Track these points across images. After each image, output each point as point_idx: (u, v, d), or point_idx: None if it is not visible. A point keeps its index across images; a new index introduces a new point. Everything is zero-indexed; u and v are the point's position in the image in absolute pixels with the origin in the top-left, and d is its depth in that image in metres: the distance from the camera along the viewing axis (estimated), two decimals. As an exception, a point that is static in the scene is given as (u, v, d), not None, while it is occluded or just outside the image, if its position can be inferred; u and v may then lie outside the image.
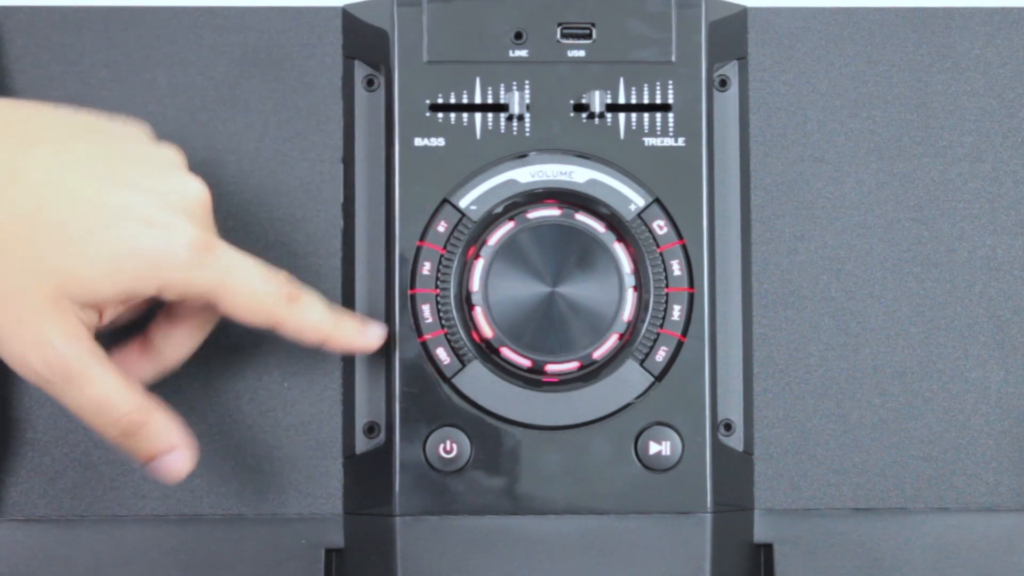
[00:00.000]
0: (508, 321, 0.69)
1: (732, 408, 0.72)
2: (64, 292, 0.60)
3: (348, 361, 0.71)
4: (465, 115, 0.71)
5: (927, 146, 0.73)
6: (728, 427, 0.72)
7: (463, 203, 0.71)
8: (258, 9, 0.72)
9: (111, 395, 0.62)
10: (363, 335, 0.68)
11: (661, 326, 0.70)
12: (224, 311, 0.64)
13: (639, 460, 0.70)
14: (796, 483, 0.72)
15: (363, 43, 0.72)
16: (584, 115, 0.71)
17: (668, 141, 0.71)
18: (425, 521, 0.69)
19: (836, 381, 0.72)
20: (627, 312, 0.70)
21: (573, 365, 0.70)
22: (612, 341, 0.70)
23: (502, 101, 0.71)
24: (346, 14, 0.73)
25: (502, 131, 0.71)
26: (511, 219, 0.70)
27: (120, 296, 0.61)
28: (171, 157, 0.65)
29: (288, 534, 0.71)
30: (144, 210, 0.61)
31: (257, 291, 0.64)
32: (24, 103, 0.66)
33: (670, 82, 0.71)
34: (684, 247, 0.71)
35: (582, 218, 0.70)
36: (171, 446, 0.64)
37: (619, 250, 0.70)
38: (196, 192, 0.64)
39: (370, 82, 0.73)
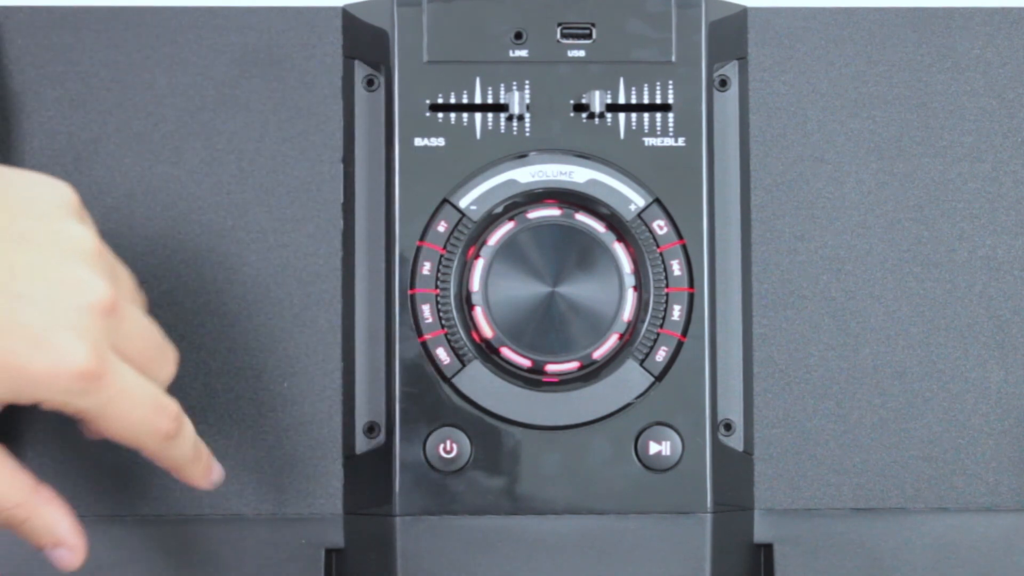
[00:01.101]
0: (508, 321, 0.69)
1: (732, 408, 0.72)
2: None
3: (348, 361, 0.71)
4: (465, 115, 0.71)
5: (927, 146, 0.73)
6: (728, 427, 0.72)
7: (463, 203, 0.71)
8: (258, 9, 0.72)
9: None
10: (207, 478, 0.66)
11: (661, 326, 0.70)
12: (97, 433, 0.61)
13: (639, 460, 0.70)
14: (796, 483, 0.72)
15: (363, 43, 0.72)
16: (584, 115, 0.71)
17: (668, 141, 0.71)
18: (425, 521, 0.69)
19: (836, 381, 0.72)
20: (627, 312, 0.70)
21: (573, 365, 0.70)
22: (612, 341, 0.70)
23: (502, 101, 0.71)
24: (346, 14, 0.73)
25: (502, 131, 0.71)
26: (511, 219, 0.70)
27: None
28: (73, 238, 0.58)
29: (288, 534, 0.71)
30: (35, 327, 0.56)
31: (136, 426, 0.60)
32: None
33: (670, 82, 0.71)
34: (684, 247, 0.71)
35: (582, 218, 0.70)
36: (55, 543, 0.62)
37: (619, 250, 0.70)
38: (100, 290, 0.58)
39: (370, 82, 0.73)
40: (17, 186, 0.59)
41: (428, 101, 0.71)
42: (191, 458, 0.64)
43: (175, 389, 0.70)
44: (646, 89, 0.71)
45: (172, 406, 0.62)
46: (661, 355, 0.70)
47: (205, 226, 0.72)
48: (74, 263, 0.58)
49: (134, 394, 0.60)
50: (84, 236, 0.59)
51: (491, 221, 0.71)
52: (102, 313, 0.58)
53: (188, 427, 0.63)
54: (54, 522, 0.62)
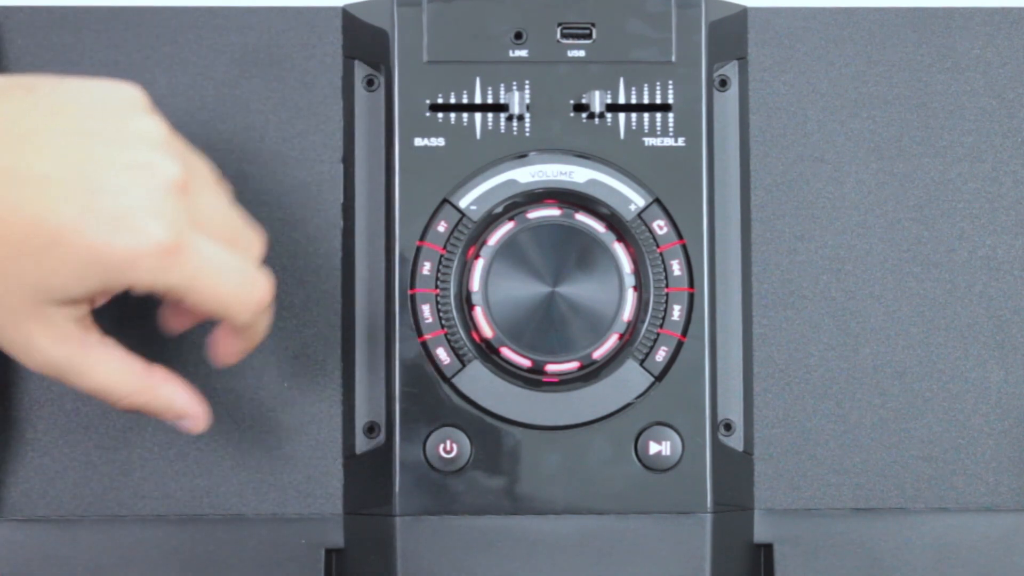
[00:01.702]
0: (508, 321, 0.69)
1: (732, 408, 0.72)
2: (40, 296, 0.59)
3: (348, 361, 0.71)
4: (465, 115, 0.71)
5: (927, 146, 0.73)
6: (728, 427, 0.72)
7: (463, 203, 0.71)
8: (258, 9, 0.72)
9: (107, 384, 0.62)
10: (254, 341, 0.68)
11: (661, 326, 0.70)
12: (190, 308, 0.63)
13: (639, 460, 0.70)
14: (796, 483, 0.72)
15: (363, 43, 0.72)
16: (584, 115, 0.71)
17: (668, 141, 0.71)
18: (425, 521, 0.69)
19: (836, 381, 0.72)
20: (627, 312, 0.70)
21: (573, 365, 0.70)
22: (612, 341, 0.70)
23: (502, 101, 0.71)
24: (346, 14, 0.73)
25: (502, 131, 0.71)
26: (511, 219, 0.70)
27: (93, 294, 0.60)
28: (143, 129, 0.61)
29: (288, 534, 0.71)
30: (111, 210, 0.59)
31: (225, 298, 0.62)
32: None
33: (670, 82, 0.71)
34: (684, 247, 0.71)
35: (582, 218, 0.70)
36: (178, 416, 0.65)
37: (619, 250, 0.70)
38: (171, 170, 0.60)
39: (370, 82, 0.73)
40: (88, 89, 0.61)
41: (428, 101, 0.71)
42: (262, 335, 0.66)
43: (175, 389, 0.71)
44: (646, 89, 0.71)
45: (263, 279, 0.63)
46: (661, 355, 0.70)
47: (205, 226, 0.72)
48: (145, 150, 0.60)
49: (219, 267, 0.61)
50: (153, 127, 0.61)
51: (491, 221, 0.71)
52: (175, 192, 0.60)
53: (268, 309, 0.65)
54: (172, 399, 0.64)
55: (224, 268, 0.62)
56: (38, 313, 0.60)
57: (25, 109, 0.59)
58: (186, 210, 0.60)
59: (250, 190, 0.72)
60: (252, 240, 0.65)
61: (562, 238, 0.70)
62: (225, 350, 0.66)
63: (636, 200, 0.71)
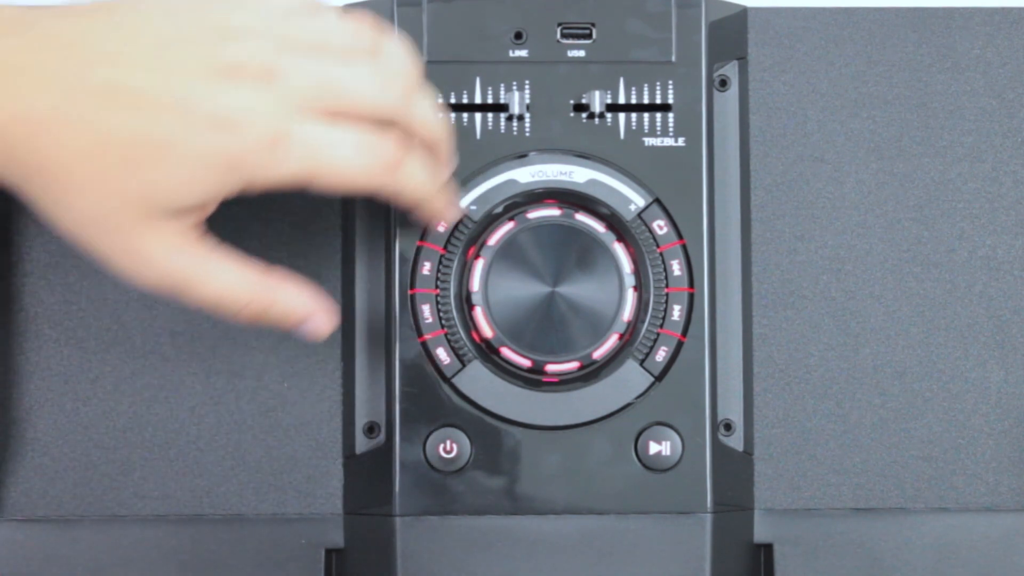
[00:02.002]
0: (508, 321, 0.69)
1: (732, 408, 0.72)
2: (151, 208, 0.59)
3: (348, 361, 0.71)
4: (465, 115, 0.71)
5: (927, 146, 0.73)
6: (728, 427, 0.72)
7: (463, 203, 0.71)
8: (258, 9, 0.72)
9: (225, 292, 0.62)
10: (445, 213, 0.69)
11: (661, 326, 0.70)
12: (320, 191, 0.62)
13: (639, 460, 0.70)
14: (796, 483, 0.72)
15: (363, 43, 0.72)
16: (584, 115, 0.71)
17: (668, 141, 0.71)
18: (425, 521, 0.69)
19: (836, 381, 0.72)
20: (627, 312, 0.70)
21: (573, 365, 0.70)
22: (612, 341, 0.70)
23: (502, 101, 0.71)
24: (346, 14, 0.73)
25: (502, 131, 0.71)
26: (511, 219, 0.70)
27: (208, 200, 0.61)
28: (227, 26, 0.60)
29: (288, 534, 0.71)
30: (209, 113, 0.59)
31: (350, 171, 0.62)
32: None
33: (670, 82, 0.71)
34: (684, 247, 0.71)
35: (582, 218, 0.70)
36: (300, 319, 0.64)
37: (619, 250, 0.70)
38: (260, 57, 0.60)
39: (370, 82, 0.72)
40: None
41: (428, 101, 0.71)
42: (428, 187, 0.66)
43: (175, 388, 0.71)
44: (646, 89, 0.71)
45: (382, 142, 0.63)
46: (661, 355, 0.70)
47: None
48: (232, 47, 0.60)
49: (331, 142, 0.61)
50: (237, 18, 0.61)
51: (491, 221, 0.71)
52: (268, 80, 0.60)
53: (416, 161, 0.64)
54: (292, 303, 0.64)
55: (339, 146, 0.61)
56: (150, 226, 0.60)
57: (111, 27, 0.59)
58: (283, 95, 0.60)
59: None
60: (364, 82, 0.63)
61: (562, 238, 0.70)
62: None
63: (636, 200, 0.71)
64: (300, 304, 0.64)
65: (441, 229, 0.70)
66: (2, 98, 0.58)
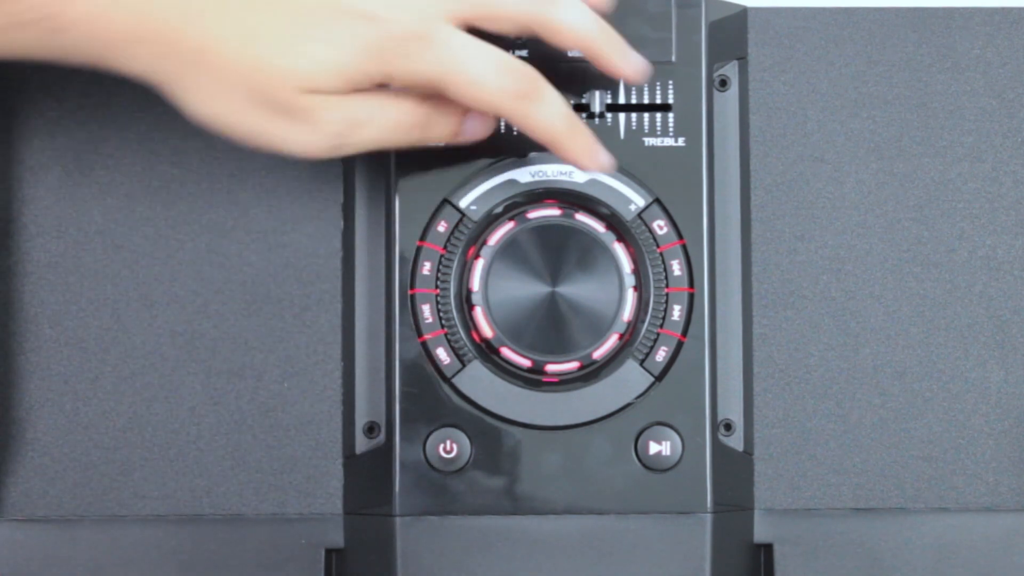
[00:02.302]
0: (508, 321, 0.69)
1: (732, 408, 0.72)
2: (298, 90, 0.62)
3: (348, 361, 0.71)
4: (465, 115, 0.71)
5: (927, 146, 0.73)
6: (728, 427, 0.72)
7: (463, 203, 0.70)
8: (258, 9, 0.72)
9: (387, 132, 0.65)
10: (593, 155, 0.68)
11: (661, 326, 0.70)
12: (456, 97, 0.64)
13: (639, 460, 0.70)
14: (796, 483, 0.72)
15: (363, 43, 0.72)
16: (584, 115, 0.71)
17: (668, 141, 0.71)
18: (425, 521, 0.69)
19: (836, 381, 0.72)
20: (627, 312, 0.70)
21: (573, 365, 0.70)
22: (612, 341, 0.70)
23: (502, 101, 0.71)
24: (346, 14, 0.73)
25: (502, 131, 0.71)
26: (511, 219, 0.70)
27: (352, 87, 0.63)
28: None
29: (288, 534, 0.71)
30: (362, 6, 0.62)
31: (484, 84, 0.64)
32: None
33: (670, 82, 0.71)
34: (684, 247, 0.71)
35: (582, 218, 0.70)
36: (455, 131, 0.67)
37: (619, 250, 0.70)
38: None
39: (370, 82, 0.72)
40: None
41: (428, 101, 0.71)
42: (563, 130, 0.66)
43: (176, 388, 0.71)
44: (646, 89, 0.71)
45: (524, 67, 0.65)
46: (661, 355, 0.70)
47: (205, 226, 0.72)
48: None
49: (470, 53, 0.64)
50: None
51: (491, 221, 0.71)
52: None
53: (554, 97, 0.66)
54: (448, 118, 0.67)
55: (477, 56, 0.63)
56: (302, 102, 0.63)
57: None
58: (437, 3, 0.63)
59: (249, 190, 0.72)
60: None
61: (562, 238, 0.70)
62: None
63: (636, 200, 0.71)
64: (455, 118, 0.67)
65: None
66: None
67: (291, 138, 0.64)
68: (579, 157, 0.67)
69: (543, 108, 0.65)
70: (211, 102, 0.63)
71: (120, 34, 0.62)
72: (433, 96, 0.65)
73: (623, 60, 0.67)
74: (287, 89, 0.62)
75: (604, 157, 0.68)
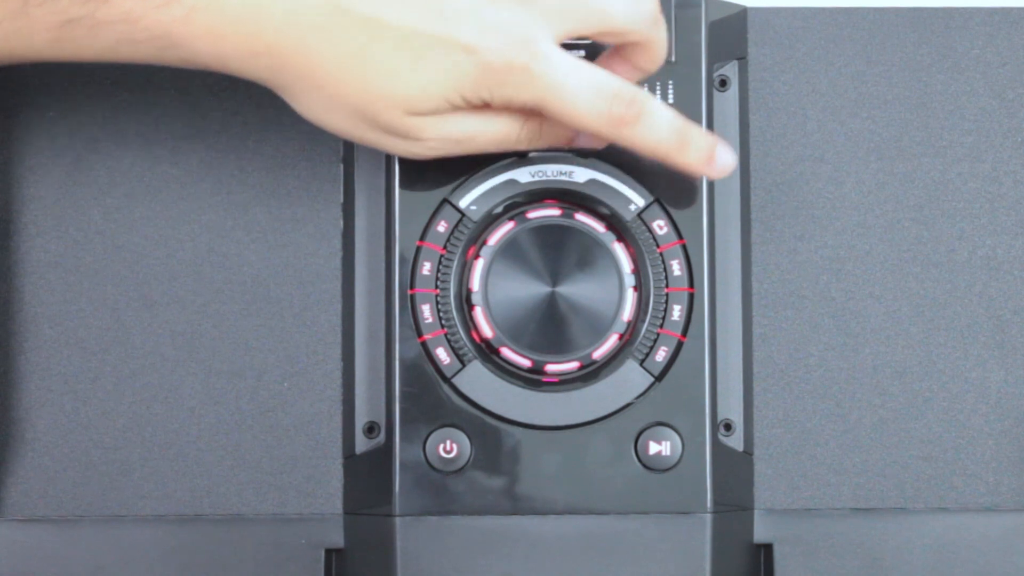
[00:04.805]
0: (508, 321, 0.69)
1: (732, 408, 0.72)
2: (403, 113, 0.64)
3: (348, 361, 0.71)
4: (465, 115, 0.71)
5: (927, 146, 0.73)
6: (728, 427, 0.72)
7: (463, 203, 0.71)
8: (258, 9, 0.72)
9: (499, 139, 0.67)
10: (710, 163, 0.68)
11: (661, 326, 0.70)
12: (558, 121, 0.66)
13: (639, 460, 0.70)
14: (796, 483, 0.72)
15: (363, 43, 0.72)
16: (584, 115, 0.71)
17: (668, 141, 0.71)
18: (425, 521, 0.69)
19: (836, 381, 0.72)
20: (627, 312, 0.70)
21: (573, 365, 0.70)
22: (612, 341, 0.70)
23: (502, 101, 0.71)
24: (346, 14, 0.73)
25: (502, 131, 0.71)
26: (511, 219, 0.70)
27: (453, 109, 0.65)
28: None
29: (288, 534, 0.71)
30: (460, 37, 0.63)
31: (581, 111, 0.65)
32: None
33: (670, 82, 0.71)
34: (684, 247, 0.71)
35: (582, 218, 0.70)
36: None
37: (619, 250, 0.70)
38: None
39: (370, 82, 0.72)
40: None
41: (428, 101, 0.71)
42: (673, 145, 0.67)
43: (175, 388, 0.71)
44: (646, 89, 0.71)
45: (624, 88, 0.65)
46: (661, 355, 0.70)
47: (205, 226, 0.72)
48: None
49: (571, 81, 0.64)
50: None
51: (491, 221, 0.71)
52: (521, 6, 0.64)
53: (658, 113, 0.66)
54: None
55: (576, 82, 0.64)
56: (410, 118, 0.65)
57: None
58: (535, 14, 0.64)
59: (250, 190, 0.72)
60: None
61: (562, 238, 0.70)
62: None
63: (636, 200, 0.71)
64: (565, 131, 0.68)
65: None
66: (275, 3, 0.63)
67: (399, 149, 0.67)
68: (697, 168, 0.68)
69: (645, 129, 0.66)
70: (322, 114, 0.66)
71: (237, 50, 0.64)
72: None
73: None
74: (389, 111, 0.64)
75: (724, 159, 0.68)
